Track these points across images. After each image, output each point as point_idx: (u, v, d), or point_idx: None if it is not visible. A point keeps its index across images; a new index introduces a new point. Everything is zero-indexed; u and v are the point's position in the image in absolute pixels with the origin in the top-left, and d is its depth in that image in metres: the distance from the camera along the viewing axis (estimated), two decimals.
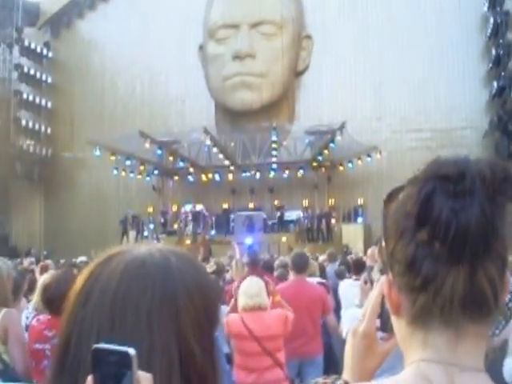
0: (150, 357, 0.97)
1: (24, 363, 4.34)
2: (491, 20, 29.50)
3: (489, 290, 0.97)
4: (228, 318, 5.83)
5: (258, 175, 28.75)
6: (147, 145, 26.48)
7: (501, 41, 28.92)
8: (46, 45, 35.51)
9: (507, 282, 1.01)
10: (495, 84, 28.86)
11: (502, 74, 28.56)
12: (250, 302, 5.66)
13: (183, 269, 1.06)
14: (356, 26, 29.97)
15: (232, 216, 28.27)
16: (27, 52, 34.51)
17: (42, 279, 5.54)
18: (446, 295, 0.98)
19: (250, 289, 5.77)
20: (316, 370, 6.86)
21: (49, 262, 13.68)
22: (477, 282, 0.97)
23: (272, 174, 28.65)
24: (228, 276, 10.30)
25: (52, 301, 4.30)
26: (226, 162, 28.72)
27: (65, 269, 5.97)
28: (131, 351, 0.88)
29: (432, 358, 1.02)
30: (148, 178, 30.27)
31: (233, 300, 6.17)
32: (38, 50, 35.10)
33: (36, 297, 5.24)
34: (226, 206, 29.56)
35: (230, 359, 6.10)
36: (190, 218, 27.88)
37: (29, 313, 5.61)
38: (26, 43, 34.34)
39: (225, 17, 31.16)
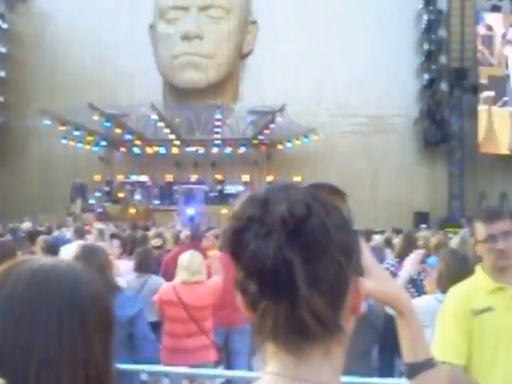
0: (59, 359, 0.96)
1: None
2: (425, 17, 29.95)
3: (313, 322, 0.94)
4: (162, 287, 5.99)
5: (201, 150, 28.52)
6: (96, 117, 25.85)
7: (433, 36, 29.60)
8: (1, 16, 34.10)
9: (353, 294, 1.02)
10: (426, 76, 29.36)
11: (433, 67, 29.32)
12: (191, 278, 5.73)
13: (86, 277, 1.07)
14: (300, 14, 29.73)
15: (175, 188, 28.03)
16: None
17: None
18: (269, 327, 0.96)
19: (192, 265, 5.79)
20: (244, 338, 6.69)
21: None
22: (299, 317, 0.94)
23: (215, 149, 28.45)
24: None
25: None
26: (172, 137, 28.26)
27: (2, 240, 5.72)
28: None
29: (278, 371, 1.00)
30: (95, 149, 29.53)
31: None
32: None
33: None
34: (169, 178, 29.18)
35: (156, 327, 5.97)
36: (134, 188, 27.76)
37: None
38: None
39: None
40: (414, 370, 1.36)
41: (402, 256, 6.70)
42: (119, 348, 3.96)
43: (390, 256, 8.68)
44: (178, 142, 28.62)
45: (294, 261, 0.92)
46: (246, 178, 27.84)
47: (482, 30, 28.99)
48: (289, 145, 27.90)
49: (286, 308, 0.94)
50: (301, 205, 0.95)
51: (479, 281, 3.14)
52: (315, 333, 0.96)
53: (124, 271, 7.07)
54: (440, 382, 1.38)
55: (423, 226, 18.67)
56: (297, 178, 27.02)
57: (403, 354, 1.39)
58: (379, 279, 1.25)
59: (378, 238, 11.13)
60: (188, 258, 5.88)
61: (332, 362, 1.02)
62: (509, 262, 3.04)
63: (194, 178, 28.76)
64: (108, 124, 27.27)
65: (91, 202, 27.84)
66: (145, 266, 6.94)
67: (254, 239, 0.94)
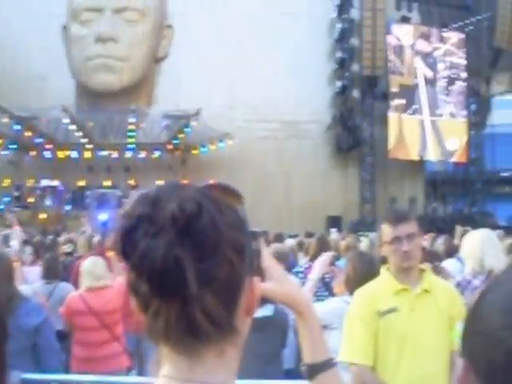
0: None
1: None
2: (338, 26, 30.49)
3: (205, 322, 0.92)
4: (68, 297, 5.77)
5: (114, 154, 28.00)
6: (5, 119, 25.24)
7: (345, 45, 30.25)
8: None
9: (247, 295, 1.01)
10: (339, 83, 29.89)
11: (345, 74, 29.85)
12: (96, 284, 5.60)
13: None
14: (215, 19, 29.81)
15: (88, 193, 27.45)
16: None
17: None
18: (161, 328, 0.94)
19: (95, 270, 5.68)
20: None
21: None
22: (190, 316, 0.92)
23: (128, 153, 28.06)
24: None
25: None
26: (84, 140, 27.71)
27: None
28: None
29: (171, 374, 0.98)
30: (5, 152, 28.58)
31: None
32: None
33: None
34: (82, 183, 28.55)
35: (62, 336, 5.80)
36: (45, 192, 27.12)
37: None
38: None
39: (89, 0, 30.03)
40: (313, 371, 1.37)
41: (315, 259, 6.77)
42: (25, 357, 3.85)
43: (302, 259, 8.78)
44: (90, 146, 28.05)
45: (185, 259, 0.90)
46: (160, 183, 27.58)
47: (393, 40, 29.84)
48: (204, 149, 27.92)
49: (177, 308, 0.92)
50: (191, 202, 0.93)
51: (384, 282, 3.21)
52: (208, 333, 0.94)
53: (35, 278, 6.89)
54: (338, 382, 1.38)
55: (333, 229, 19.05)
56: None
57: (303, 354, 1.39)
58: (278, 280, 1.26)
59: (291, 242, 11.23)
60: (90, 264, 5.77)
61: (226, 364, 1.00)
62: (412, 263, 3.11)
63: (106, 182, 28.28)
64: (18, 127, 26.51)
65: (0, 207, 27.03)
66: (53, 272, 6.80)
67: (143, 238, 0.91)
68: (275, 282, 1.25)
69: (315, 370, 1.36)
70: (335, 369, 1.39)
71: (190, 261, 0.90)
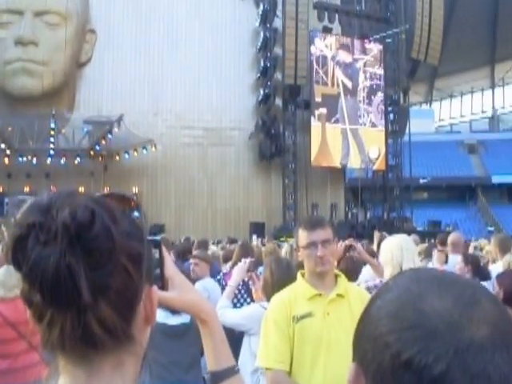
0: None
1: None
2: (261, 34, 30.71)
3: (100, 331, 0.91)
4: None
5: (34, 160, 27.21)
6: None
7: (268, 54, 30.47)
8: None
9: (146, 303, 1.00)
10: (262, 91, 30.12)
11: (268, 83, 30.13)
12: (9, 294, 5.23)
13: None
14: (139, 25, 29.67)
15: (6, 199, 26.64)
16: None
17: None
18: (55, 338, 0.92)
19: (9, 280, 5.31)
20: None
21: None
22: (85, 326, 0.90)
23: (49, 159, 27.33)
24: None
25: None
26: (3, 146, 26.85)
27: None
28: None
29: None
30: None
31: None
32: None
33: None
34: (0, 189, 27.68)
35: None
36: None
37: None
38: None
39: (9, 1, 29.22)
40: (216, 378, 1.38)
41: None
42: None
43: (224, 265, 8.78)
44: (9, 152, 27.20)
45: (77, 268, 0.88)
46: (81, 189, 26.99)
47: (316, 50, 30.23)
48: (126, 156, 27.61)
49: (72, 317, 0.90)
50: (84, 210, 0.91)
51: (299, 287, 3.23)
52: (104, 342, 0.93)
53: None
54: None
55: (254, 235, 19.23)
56: (135, 189, 26.82)
57: (207, 362, 1.40)
58: (181, 288, 1.27)
59: (214, 248, 11.23)
60: (3, 274, 5.57)
61: (124, 374, 0.99)
62: (327, 268, 3.15)
63: (26, 189, 27.46)
64: None
65: None
66: None
67: (34, 247, 0.89)
68: (178, 291, 1.25)
69: (219, 377, 1.37)
70: (239, 375, 1.40)
71: (83, 269, 0.89)
